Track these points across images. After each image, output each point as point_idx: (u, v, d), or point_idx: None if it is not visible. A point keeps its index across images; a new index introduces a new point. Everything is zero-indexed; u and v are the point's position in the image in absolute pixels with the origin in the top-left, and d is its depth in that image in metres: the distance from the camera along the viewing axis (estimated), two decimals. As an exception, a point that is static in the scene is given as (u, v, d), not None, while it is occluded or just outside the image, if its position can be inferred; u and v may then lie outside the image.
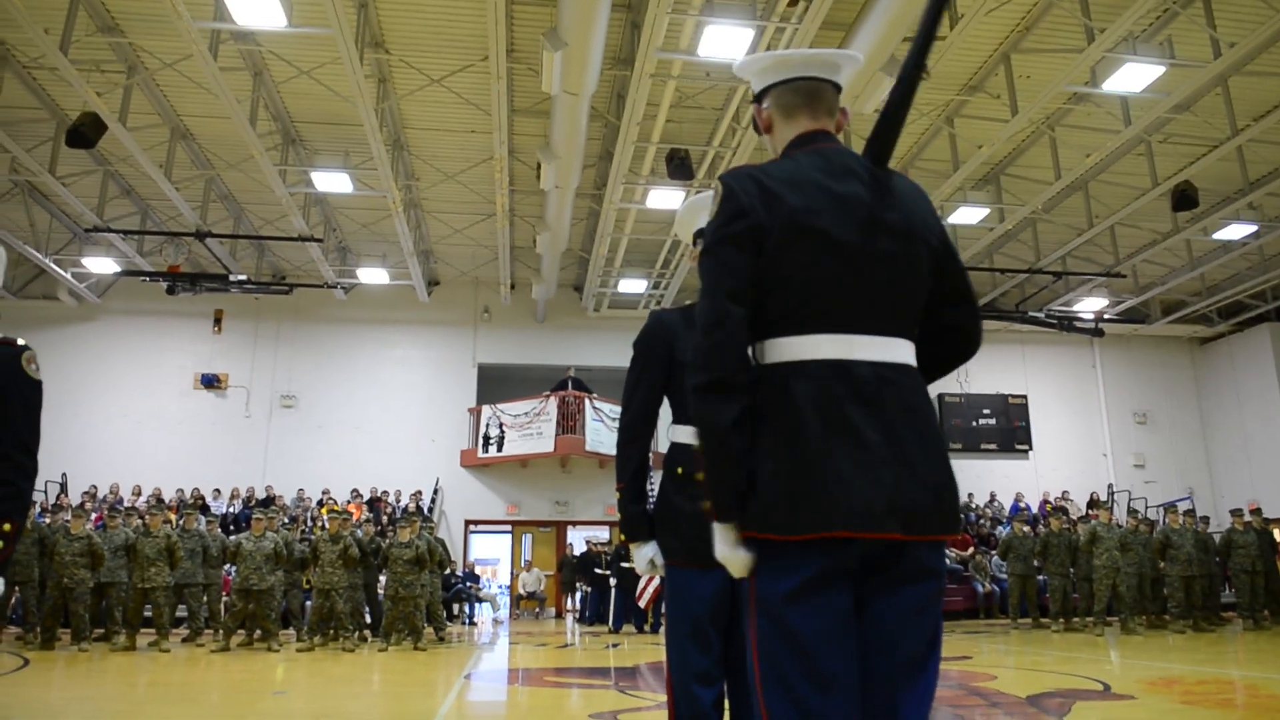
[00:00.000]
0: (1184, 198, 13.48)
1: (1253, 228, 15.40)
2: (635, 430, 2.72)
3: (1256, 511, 14.08)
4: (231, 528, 15.45)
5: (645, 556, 2.68)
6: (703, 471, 1.74)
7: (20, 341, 2.58)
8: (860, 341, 1.73)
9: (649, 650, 10.67)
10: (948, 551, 15.84)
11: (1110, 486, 20.14)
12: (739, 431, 1.71)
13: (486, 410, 18.50)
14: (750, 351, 1.82)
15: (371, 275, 17.95)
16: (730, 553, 1.74)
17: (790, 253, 1.73)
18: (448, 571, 14.47)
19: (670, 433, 2.75)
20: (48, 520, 11.90)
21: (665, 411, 2.81)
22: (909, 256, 1.78)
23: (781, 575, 1.68)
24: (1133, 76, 10.85)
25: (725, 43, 9.85)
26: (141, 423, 17.97)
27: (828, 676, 1.64)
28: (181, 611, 11.85)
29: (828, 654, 1.65)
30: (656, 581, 12.10)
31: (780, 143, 1.93)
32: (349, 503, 16.98)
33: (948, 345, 1.91)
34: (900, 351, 1.77)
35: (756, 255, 1.74)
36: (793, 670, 1.65)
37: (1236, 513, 13.75)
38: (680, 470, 2.65)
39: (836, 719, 1.65)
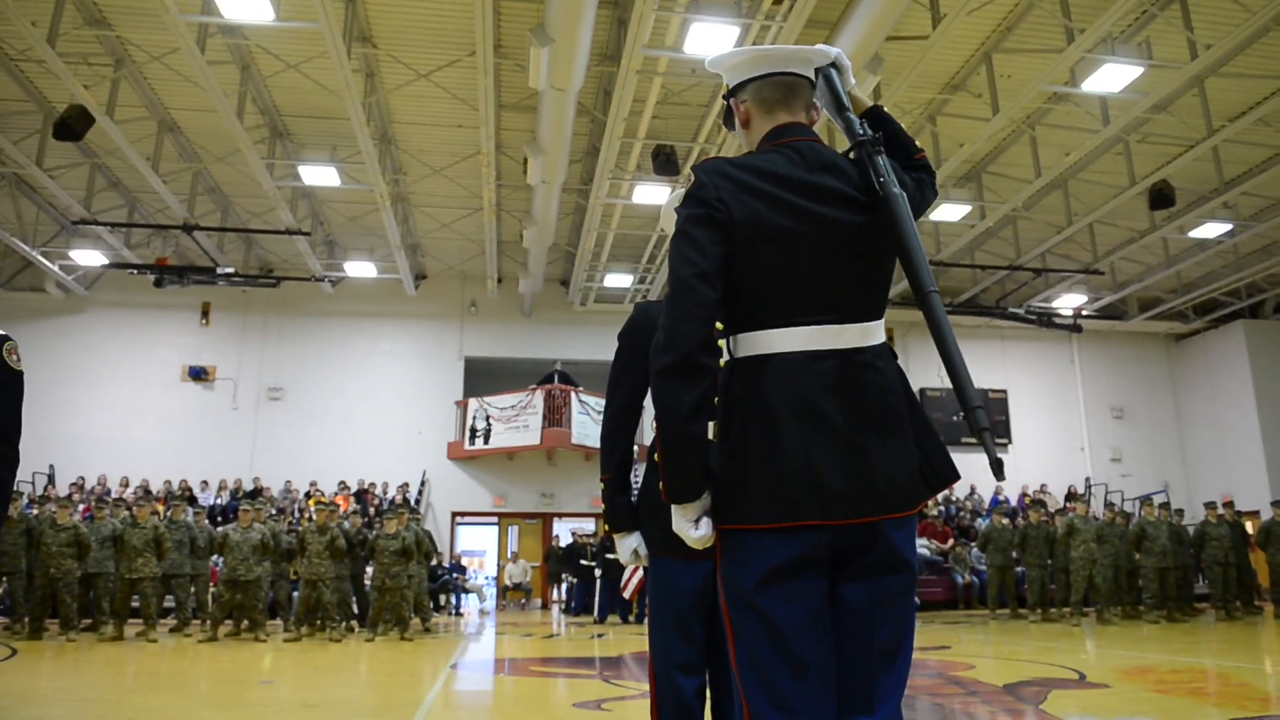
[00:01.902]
0: (1161, 196, 13.62)
1: (1228, 226, 15.55)
2: (620, 422, 2.71)
3: (1229, 504, 14.24)
4: (219, 519, 15.44)
5: (629, 547, 2.67)
6: (659, 453, 1.76)
7: (0, 332, 2.60)
8: (830, 331, 1.74)
9: (633, 640, 10.70)
10: (926, 543, 16.18)
11: (1088, 480, 20.33)
12: (700, 416, 1.71)
13: (473, 403, 18.52)
14: (726, 346, 1.85)
15: (359, 269, 17.94)
16: (688, 529, 1.77)
17: (758, 248, 1.75)
18: (434, 563, 14.49)
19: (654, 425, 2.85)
20: (35, 511, 11.85)
21: (649, 403, 2.81)
22: (880, 243, 1.78)
23: (751, 563, 1.71)
24: (1111, 77, 10.98)
25: (711, 40, 9.87)
26: (129, 415, 17.91)
27: (802, 663, 1.66)
28: (169, 602, 11.81)
29: (802, 641, 1.67)
30: (641, 573, 12.20)
31: (757, 137, 1.93)
32: (336, 494, 16.96)
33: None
34: (871, 334, 1.78)
35: (725, 243, 1.74)
36: (768, 657, 1.67)
37: (1210, 505, 13.86)
38: None
39: (812, 705, 1.66)
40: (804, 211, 1.75)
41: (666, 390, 1.72)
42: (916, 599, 1.79)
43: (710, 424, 1.77)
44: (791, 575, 1.69)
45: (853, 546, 1.71)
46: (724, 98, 2.04)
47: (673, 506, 1.78)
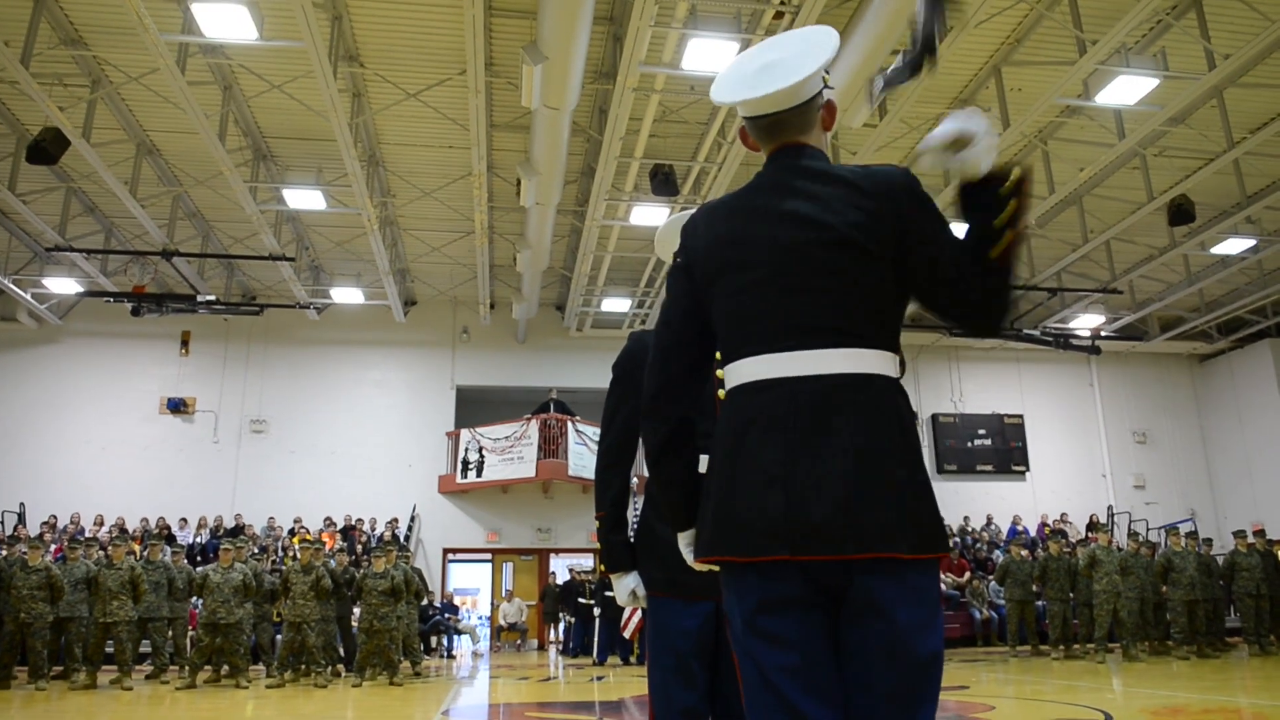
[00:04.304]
0: (1180, 212, 13.56)
1: (1251, 242, 15.55)
2: (615, 456, 2.70)
3: (1260, 533, 14.12)
4: (198, 559, 15.34)
5: (627, 587, 2.64)
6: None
7: None
8: (781, 359, 1.72)
9: (635, 683, 10.54)
10: (942, 577, 15.84)
11: (1110, 508, 20.11)
12: (664, 457, 1.88)
13: (465, 434, 18.46)
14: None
15: (345, 295, 17.96)
16: (688, 553, 1.92)
17: (718, 282, 1.81)
18: (425, 602, 14.40)
19: None
20: (4, 552, 11.90)
21: None
22: (848, 265, 1.72)
23: (736, 605, 1.72)
24: (1126, 89, 11.02)
25: (709, 56, 9.97)
26: (105, 449, 17.83)
27: (798, 713, 1.62)
28: (145, 647, 11.59)
29: (794, 689, 1.63)
30: (641, 612, 11.78)
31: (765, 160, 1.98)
32: (322, 531, 16.88)
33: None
34: (838, 362, 1.70)
35: (691, 284, 1.87)
36: (764, 704, 1.66)
37: (1240, 534, 13.67)
38: None
39: None
40: (759, 240, 1.78)
41: (643, 430, 1.92)
42: (936, 646, 1.66)
43: (696, 460, 1.90)
44: (772, 615, 1.66)
45: (836, 585, 1.65)
46: None
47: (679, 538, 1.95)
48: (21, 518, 16.59)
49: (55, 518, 16.55)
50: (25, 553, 10.73)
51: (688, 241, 1.89)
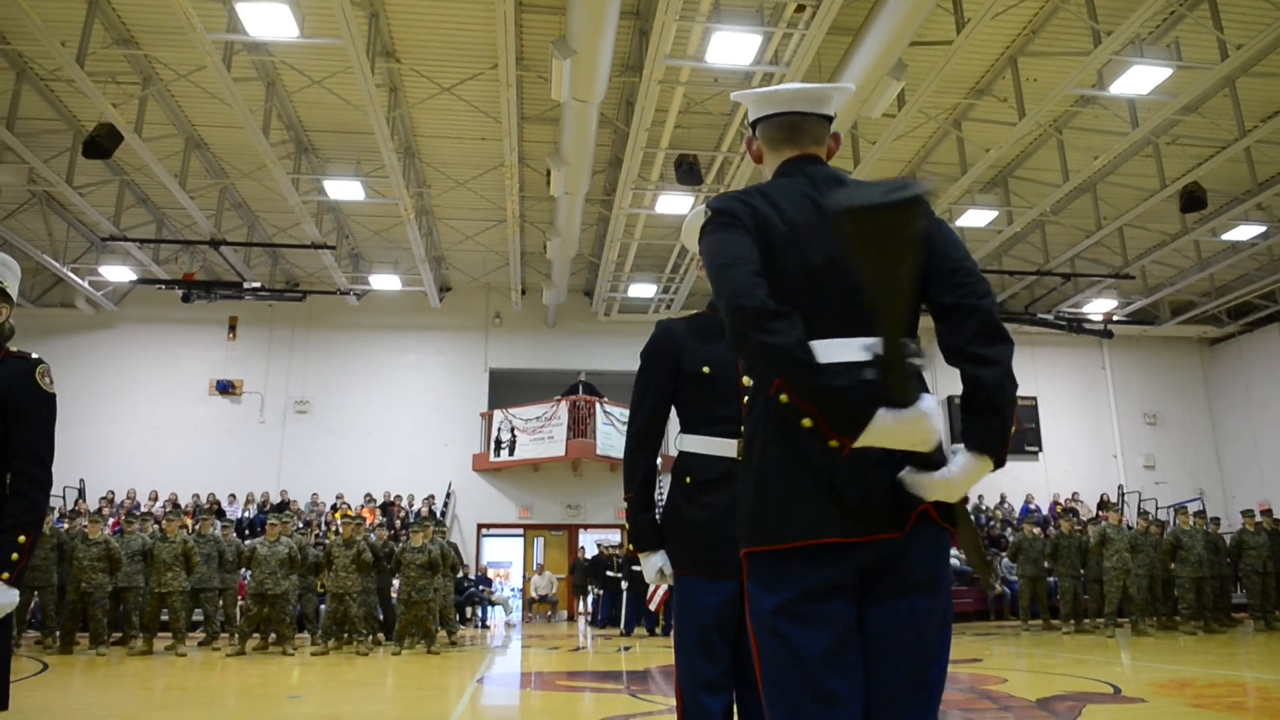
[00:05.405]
0: (1192, 199, 13.40)
1: (1261, 228, 15.33)
2: (643, 439, 2.73)
3: (1267, 512, 13.95)
4: (247, 533, 15.54)
5: (654, 565, 2.68)
6: (789, 393, 1.72)
7: (34, 355, 2.61)
8: (826, 345, 1.71)
9: (661, 654, 10.63)
10: (956, 553, 15.96)
11: (1120, 488, 20.02)
12: (807, 344, 1.64)
13: (498, 414, 18.52)
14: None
15: (384, 281, 18.02)
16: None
17: (769, 262, 1.76)
18: (460, 575, 14.44)
19: (678, 441, 2.75)
20: (66, 526, 11.93)
21: (675, 418, 2.82)
22: (895, 257, 1.70)
23: (774, 589, 1.72)
24: (1140, 79, 10.86)
25: (733, 49, 9.92)
26: (158, 429, 18.06)
27: (827, 691, 1.65)
28: (197, 616, 11.92)
29: (825, 669, 1.66)
30: (665, 588, 12.14)
31: (769, 172, 1.98)
32: (363, 507, 17.05)
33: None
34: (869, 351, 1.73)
35: (750, 238, 1.75)
36: (792, 684, 1.68)
37: (1247, 513, 13.56)
38: (689, 479, 2.66)
39: None
40: (804, 227, 1.78)
41: (759, 336, 1.64)
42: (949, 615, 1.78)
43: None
44: (815, 602, 1.69)
45: (877, 566, 1.71)
46: (750, 128, 2.09)
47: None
48: (82, 493, 16.77)
49: (113, 493, 16.79)
50: (86, 526, 10.90)
51: (735, 211, 1.79)
